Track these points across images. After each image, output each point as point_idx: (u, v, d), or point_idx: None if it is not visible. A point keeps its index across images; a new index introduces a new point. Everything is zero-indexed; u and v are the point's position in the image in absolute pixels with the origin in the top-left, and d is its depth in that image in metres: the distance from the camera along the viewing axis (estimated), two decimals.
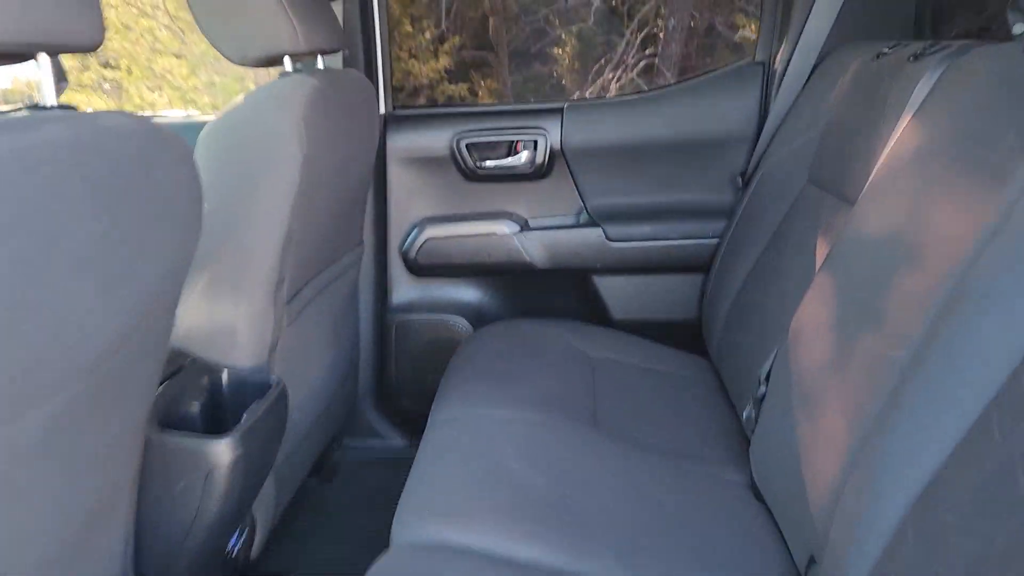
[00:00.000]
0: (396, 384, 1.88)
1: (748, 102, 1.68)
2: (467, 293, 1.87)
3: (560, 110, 1.75)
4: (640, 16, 7.57)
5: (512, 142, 1.77)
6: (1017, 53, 0.88)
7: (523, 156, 1.76)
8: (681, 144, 1.72)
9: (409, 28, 7.98)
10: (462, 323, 1.83)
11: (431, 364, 1.85)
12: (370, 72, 1.73)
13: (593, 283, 1.80)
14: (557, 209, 1.82)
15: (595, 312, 1.83)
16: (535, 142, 1.75)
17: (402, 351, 1.86)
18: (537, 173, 1.77)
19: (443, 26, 7.87)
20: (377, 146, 1.56)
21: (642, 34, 7.60)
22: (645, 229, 1.72)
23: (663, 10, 7.71)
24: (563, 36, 7.62)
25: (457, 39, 8.02)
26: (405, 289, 1.86)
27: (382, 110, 1.80)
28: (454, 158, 1.77)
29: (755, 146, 1.68)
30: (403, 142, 1.79)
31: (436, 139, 1.78)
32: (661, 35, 7.63)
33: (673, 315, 1.79)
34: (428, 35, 7.93)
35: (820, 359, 0.99)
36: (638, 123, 1.73)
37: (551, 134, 1.74)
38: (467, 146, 1.76)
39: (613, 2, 7.65)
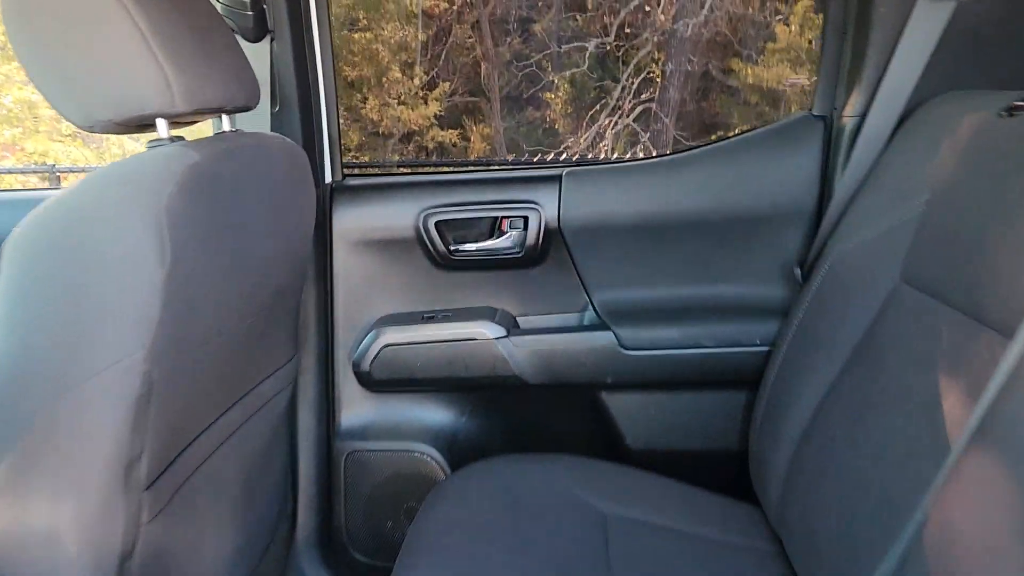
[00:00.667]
0: (347, 532, 1.44)
1: (806, 167, 1.27)
2: (438, 415, 1.44)
3: (558, 177, 1.35)
4: (636, 61, 7.30)
5: (496, 219, 1.36)
6: None
7: (510, 237, 1.35)
8: (718, 221, 1.31)
9: (399, 74, 7.70)
10: (432, 455, 1.40)
11: (391, 506, 1.42)
12: (309, 132, 1.33)
13: (603, 403, 1.37)
14: (554, 306, 1.40)
15: (606, 440, 1.40)
16: (525, 219, 1.34)
17: (354, 490, 1.42)
18: (528, 259, 1.36)
19: (434, 71, 7.58)
20: (314, 228, 1.15)
21: (639, 79, 7.33)
22: (671, 334, 1.31)
23: (658, 54, 7.46)
24: (555, 81, 7.33)
25: (448, 85, 7.73)
26: (358, 410, 1.43)
27: (327, 178, 1.39)
28: (421, 240, 1.36)
29: (817, 225, 1.27)
30: (354, 220, 1.38)
31: (398, 215, 1.37)
32: (658, 80, 7.35)
33: (710, 445, 1.36)
34: (417, 81, 7.64)
35: None
36: (660, 193, 1.32)
37: (546, 208, 1.34)
38: (438, 224, 1.35)
39: (607, 47, 7.39)
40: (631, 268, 1.36)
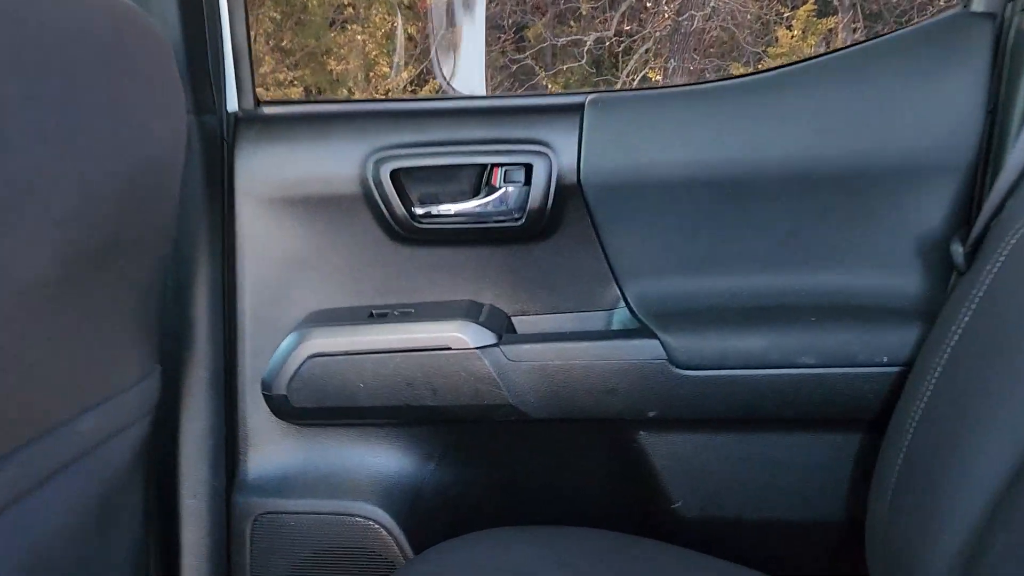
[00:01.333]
0: None
1: (964, 92, 0.82)
2: (392, 463, 0.97)
3: (578, 108, 0.89)
4: (637, 56, 6.90)
5: (484, 168, 0.91)
6: None
7: (506, 196, 0.90)
8: (825, 176, 0.86)
9: (386, 69, 7.27)
10: (382, 521, 0.94)
11: None
12: (196, 28, 0.86)
13: (641, 449, 0.91)
14: (570, 301, 0.95)
15: (644, 505, 0.94)
16: (528, 168, 0.89)
17: (265, 570, 0.95)
18: (532, 229, 0.91)
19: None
20: (184, 164, 0.70)
21: (639, 76, 6.93)
22: (749, 346, 0.85)
23: (654, 48, 7.06)
24: (547, 85, 6.91)
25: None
26: (271, 452, 0.96)
27: (229, 104, 0.93)
28: (370, 198, 0.91)
29: (984, 178, 0.82)
30: (269, 167, 0.92)
31: (335, 161, 0.91)
32: (659, 78, 6.95)
33: (802, 514, 0.90)
34: (406, 75, 7.21)
35: None
36: (735, 133, 0.87)
37: (560, 153, 0.88)
38: (395, 175, 0.90)
39: (607, 42, 6.99)
40: (687, 246, 0.90)
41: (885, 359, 0.82)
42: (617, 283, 0.92)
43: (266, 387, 0.91)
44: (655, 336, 0.86)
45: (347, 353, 0.88)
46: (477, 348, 0.87)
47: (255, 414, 0.95)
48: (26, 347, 0.55)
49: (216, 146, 0.89)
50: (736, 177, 0.87)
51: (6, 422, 0.56)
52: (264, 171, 0.91)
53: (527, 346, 0.87)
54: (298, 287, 0.94)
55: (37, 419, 0.59)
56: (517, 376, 0.87)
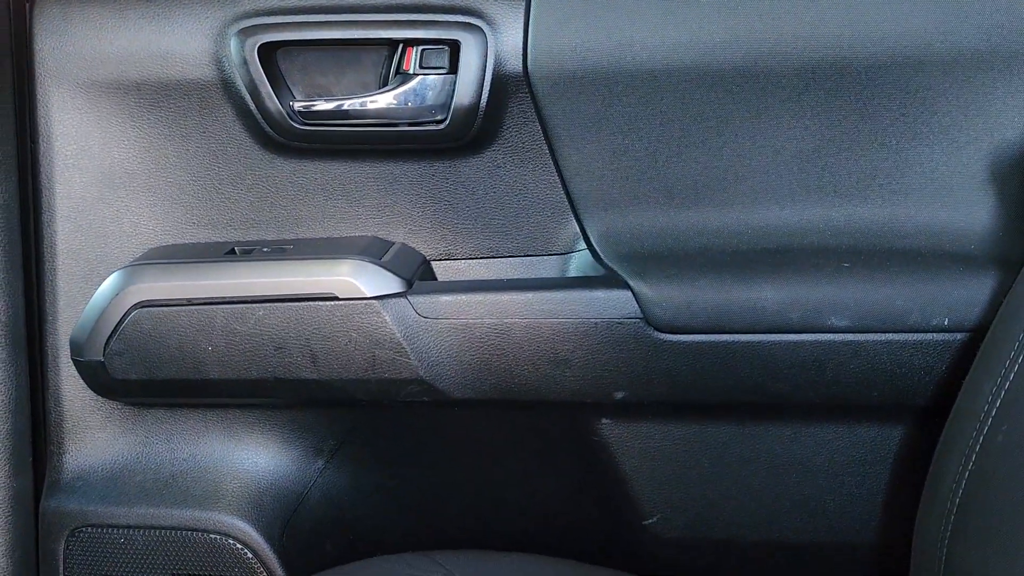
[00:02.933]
0: None
1: None
2: (262, 461, 0.71)
3: None
4: None
5: (393, 47, 0.65)
6: None
7: (423, 87, 0.64)
8: (870, 60, 0.61)
9: None
10: (250, 540, 0.68)
11: None
12: None
13: (602, 444, 0.66)
14: (508, 239, 0.69)
15: (605, 521, 0.70)
16: (454, 47, 0.63)
17: None
18: (458, 135, 0.65)
19: None
20: None
21: None
22: (756, 299, 0.60)
23: None
24: None
25: None
26: (95, 442, 0.70)
27: None
28: (230, 87, 0.64)
29: None
30: (84, 43, 0.65)
31: (180, 31, 0.65)
32: None
33: (819, 535, 0.66)
34: None
35: None
36: (746, 2, 0.61)
37: (499, 30, 0.63)
38: (267, 52, 0.64)
39: None
40: (674, 164, 0.65)
41: (946, 321, 0.58)
42: (576, 215, 0.67)
43: (76, 349, 0.64)
44: (626, 286, 0.61)
45: (189, 302, 0.62)
46: (374, 298, 0.61)
47: (72, 391, 0.68)
48: None
49: (3, 9, 0.62)
50: (744, 66, 0.62)
51: None
52: (77, 46, 0.65)
53: (446, 297, 0.62)
54: (129, 214, 0.68)
55: None
56: (431, 339, 0.61)
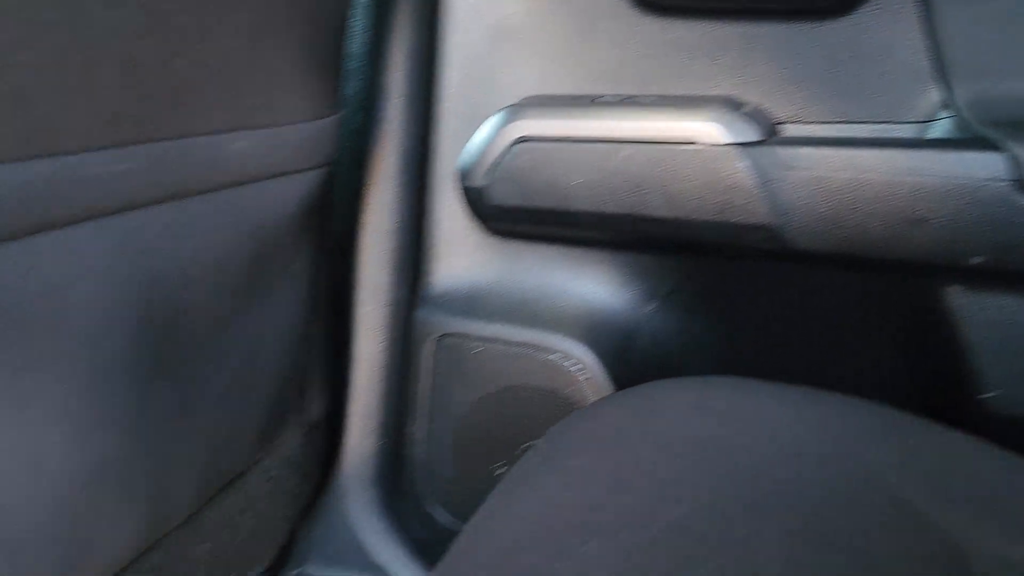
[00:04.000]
0: (424, 470, 0.84)
1: None
2: (606, 294, 0.78)
3: None
4: None
5: None
6: None
7: None
8: None
9: None
10: (586, 360, 0.76)
11: (505, 439, 0.81)
12: None
13: (951, 306, 0.66)
14: (863, 105, 0.69)
15: (945, 382, 0.69)
16: None
17: (444, 400, 0.82)
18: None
19: None
20: None
21: None
22: None
23: None
24: None
25: None
26: (463, 264, 0.82)
27: None
28: None
29: None
30: None
31: None
32: None
33: None
34: None
35: None
36: None
37: None
38: None
39: None
40: None
41: None
42: (944, 81, 0.65)
43: (463, 176, 0.75)
44: (999, 148, 0.59)
45: (563, 139, 0.70)
46: (733, 144, 0.65)
47: (448, 218, 0.80)
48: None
49: None
50: None
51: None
52: None
53: (804, 149, 0.64)
54: (510, 66, 0.76)
55: (184, 122, 0.46)
56: (785, 188, 0.64)
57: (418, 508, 0.85)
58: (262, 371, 0.64)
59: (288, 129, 0.57)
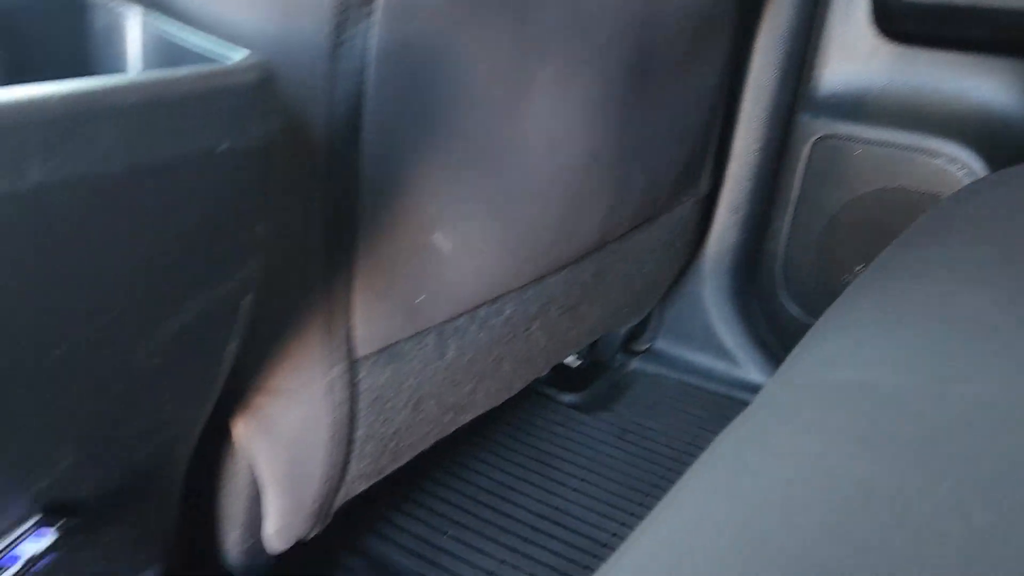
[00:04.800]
0: (782, 262, 0.93)
1: None
2: (1004, 98, 0.79)
3: None
4: None
5: None
6: None
7: None
8: None
9: None
10: (972, 165, 0.79)
11: (872, 239, 0.86)
12: None
13: None
14: None
15: None
16: None
17: (812, 202, 0.89)
18: None
19: None
20: None
21: None
22: None
23: None
24: None
25: None
26: (854, 68, 0.86)
27: None
28: None
29: None
30: None
31: None
32: None
33: None
34: None
35: None
36: None
37: None
38: None
39: None
40: None
41: None
42: None
43: None
44: None
45: None
46: None
47: (844, 21, 0.84)
48: None
49: None
50: None
51: None
52: None
53: None
54: None
55: None
56: None
57: (771, 300, 0.93)
58: (686, 127, 0.75)
59: None
